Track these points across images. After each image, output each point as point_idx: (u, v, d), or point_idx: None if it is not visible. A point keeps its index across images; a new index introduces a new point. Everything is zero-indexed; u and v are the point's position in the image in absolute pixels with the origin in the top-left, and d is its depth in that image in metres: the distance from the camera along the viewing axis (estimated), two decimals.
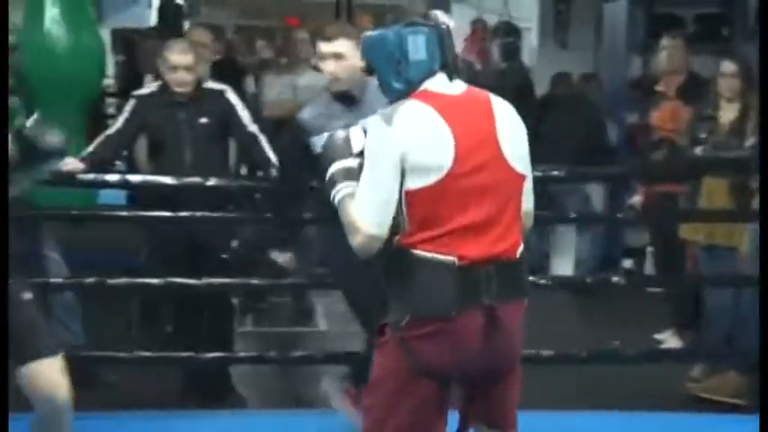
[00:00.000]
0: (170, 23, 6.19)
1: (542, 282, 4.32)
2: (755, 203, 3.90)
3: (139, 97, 4.05)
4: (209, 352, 3.76)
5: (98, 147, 3.93)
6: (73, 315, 4.22)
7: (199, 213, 3.72)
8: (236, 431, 3.73)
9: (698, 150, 4.24)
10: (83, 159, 3.80)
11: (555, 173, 4.06)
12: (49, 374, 2.45)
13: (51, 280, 4.04)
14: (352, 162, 2.28)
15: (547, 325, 4.48)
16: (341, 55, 3.23)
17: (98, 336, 4.30)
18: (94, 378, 4.12)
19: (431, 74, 2.26)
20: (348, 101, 3.27)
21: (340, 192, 2.25)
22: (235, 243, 4.10)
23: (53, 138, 2.84)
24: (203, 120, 3.82)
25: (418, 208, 2.21)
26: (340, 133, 2.36)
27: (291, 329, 5.00)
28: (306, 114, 3.36)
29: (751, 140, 4.05)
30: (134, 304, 4.68)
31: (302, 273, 4.78)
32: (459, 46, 4.28)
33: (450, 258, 2.18)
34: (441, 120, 2.20)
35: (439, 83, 2.27)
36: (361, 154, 2.30)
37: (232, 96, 3.99)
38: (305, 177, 3.44)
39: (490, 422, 2.36)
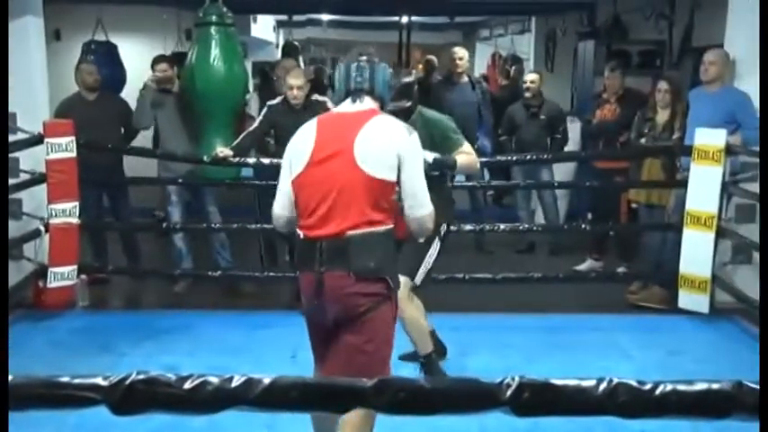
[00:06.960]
0: (290, 57, 6.88)
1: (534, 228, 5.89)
2: (678, 175, 5.00)
3: (270, 106, 4.96)
4: None
5: (242, 140, 4.91)
6: (225, 247, 5.47)
7: None
8: None
9: (642, 141, 5.31)
10: (232, 148, 4.86)
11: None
12: None
13: (212, 225, 5.37)
14: None
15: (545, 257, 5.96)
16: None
17: (241, 261, 5.52)
18: (239, 289, 5.44)
19: (345, 97, 2.59)
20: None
21: None
22: None
23: None
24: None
25: (295, 195, 2.53)
26: None
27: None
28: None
29: (677, 134, 5.09)
30: (260, 241, 5.66)
31: None
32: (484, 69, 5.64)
33: (301, 233, 2.47)
34: (314, 128, 2.52)
35: (344, 104, 2.58)
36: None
37: (331, 105, 4.98)
38: None
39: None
